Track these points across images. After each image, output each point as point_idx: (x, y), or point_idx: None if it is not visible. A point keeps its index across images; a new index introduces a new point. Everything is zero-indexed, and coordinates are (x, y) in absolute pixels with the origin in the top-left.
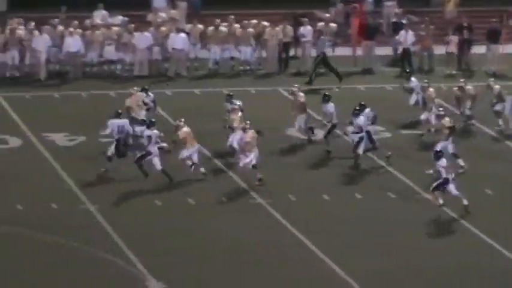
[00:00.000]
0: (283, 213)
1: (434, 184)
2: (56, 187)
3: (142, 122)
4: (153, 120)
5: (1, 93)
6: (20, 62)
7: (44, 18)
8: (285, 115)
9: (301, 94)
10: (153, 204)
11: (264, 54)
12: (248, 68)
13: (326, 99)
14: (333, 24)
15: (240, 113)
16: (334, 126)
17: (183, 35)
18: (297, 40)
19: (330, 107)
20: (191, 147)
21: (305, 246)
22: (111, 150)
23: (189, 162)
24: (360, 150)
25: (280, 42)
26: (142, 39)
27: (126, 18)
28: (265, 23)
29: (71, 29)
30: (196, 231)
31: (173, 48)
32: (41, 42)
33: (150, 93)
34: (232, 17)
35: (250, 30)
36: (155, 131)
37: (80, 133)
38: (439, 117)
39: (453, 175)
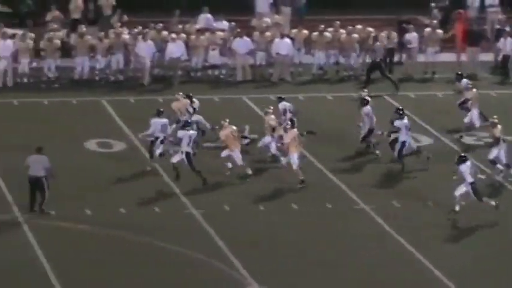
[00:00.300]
0: (386, 218)
1: (475, 194)
2: (159, 191)
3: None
4: (189, 121)
5: (105, 97)
6: (125, 66)
7: (148, 22)
8: (388, 120)
9: (368, 98)
10: (257, 209)
11: (368, 59)
12: (352, 73)
13: (364, 102)
14: (439, 31)
15: (272, 116)
16: (371, 131)
17: (287, 40)
18: (401, 46)
19: (367, 109)
20: (232, 149)
21: (408, 251)
22: (160, 148)
23: (229, 165)
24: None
25: (384, 48)
26: (242, 44)
27: (233, 24)
28: (370, 29)
29: (173, 35)
30: (299, 237)
31: (277, 54)
32: (145, 48)
33: (194, 100)
34: (338, 22)
35: (355, 35)
36: (191, 131)
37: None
38: (493, 124)
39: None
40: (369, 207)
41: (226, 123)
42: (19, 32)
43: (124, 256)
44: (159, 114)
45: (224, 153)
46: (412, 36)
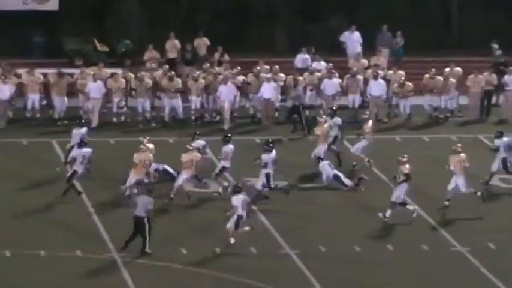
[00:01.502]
0: (482, 261)
1: (235, 225)
2: (255, 231)
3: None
4: (85, 140)
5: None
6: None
7: (250, 62)
8: (485, 163)
9: (322, 127)
10: (353, 251)
11: (465, 101)
12: (449, 115)
13: (226, 140)
14: None
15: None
16: (224, 168)
17: (381, 81)
18: (500, 88)
19: (228, 148)
20: (136, 175)
21: None
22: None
23: (128, 191)
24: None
25: (482, 90)
26: (330, 85)
27: (330, 64)
28: (458, 68)
29: (269, 75)
30: (396, 280)
31: (370, 94)
32: (224, 91)
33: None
34: (433, 70)
35: (453, 80)
36: (85, 150)
37: (279, 178)
38: (400, 162)
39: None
40: (464, 249)
41: (145, 148)
42: (118, 71)
43: None
44: (80, 124)
45: (127, 183)
46: (510, 78)
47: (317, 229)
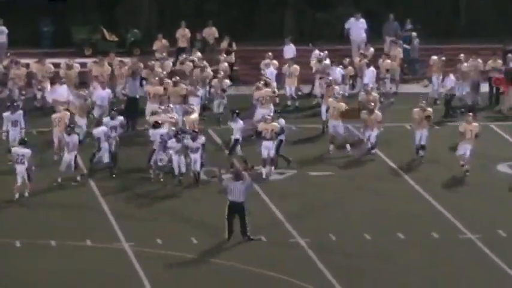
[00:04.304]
0: (492, 248)
1: None
2: (264, 220)
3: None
4: None
5: (210, 127)
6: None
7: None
8: (495, 150)
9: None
10: (363, 239)
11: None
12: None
13: (234, 116)
14: None
15: None
16: (237, 141)
17: (372, 69)
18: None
19: (239, 123)
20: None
21: None
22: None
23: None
24: None
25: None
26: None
27: (325, 52)
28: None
29: (267, 61)
30: (406, 267)
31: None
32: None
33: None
34: (443, 58)
35: (466, 64)
36: None
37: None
38: (266, 120)
39: None
40: (474, 236)
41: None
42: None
43: (232, 286)
44: (13, 108)
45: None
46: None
47: (327, 217)
